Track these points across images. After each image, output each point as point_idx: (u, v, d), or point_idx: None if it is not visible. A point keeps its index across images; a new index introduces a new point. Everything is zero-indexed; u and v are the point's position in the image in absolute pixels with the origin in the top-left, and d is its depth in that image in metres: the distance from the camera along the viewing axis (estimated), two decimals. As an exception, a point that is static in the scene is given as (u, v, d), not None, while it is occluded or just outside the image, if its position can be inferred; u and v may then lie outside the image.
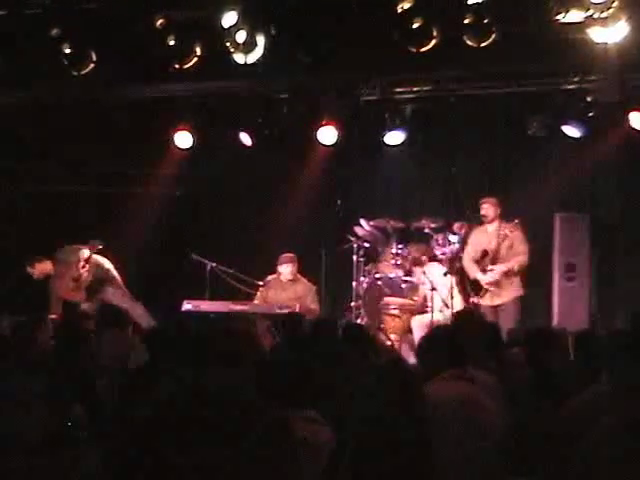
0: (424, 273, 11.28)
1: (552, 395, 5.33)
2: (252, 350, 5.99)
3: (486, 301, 10.80)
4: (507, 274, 10.78)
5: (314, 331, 7.60)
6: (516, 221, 10.83)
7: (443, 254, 11.28)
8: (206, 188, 13.27)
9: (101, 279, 11.69)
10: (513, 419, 5.14)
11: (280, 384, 4.35)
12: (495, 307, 10.71)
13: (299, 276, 11.70)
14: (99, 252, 11.62)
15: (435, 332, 5.63)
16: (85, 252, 11.52)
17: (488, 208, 10.96)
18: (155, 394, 2.88)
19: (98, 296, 11.61)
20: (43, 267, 11.79)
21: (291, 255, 11.69)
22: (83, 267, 11.48)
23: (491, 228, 10.97)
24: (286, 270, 11.60)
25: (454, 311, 10.24)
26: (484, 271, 10.82)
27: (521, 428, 5.03)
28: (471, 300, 10.91)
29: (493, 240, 10.89)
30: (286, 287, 11.62)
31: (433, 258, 11.43)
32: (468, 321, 6.93)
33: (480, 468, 4.56)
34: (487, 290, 10.80)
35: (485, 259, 10.86)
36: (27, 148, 12.57)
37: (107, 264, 11.74)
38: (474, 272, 10.94)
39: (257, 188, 13.08)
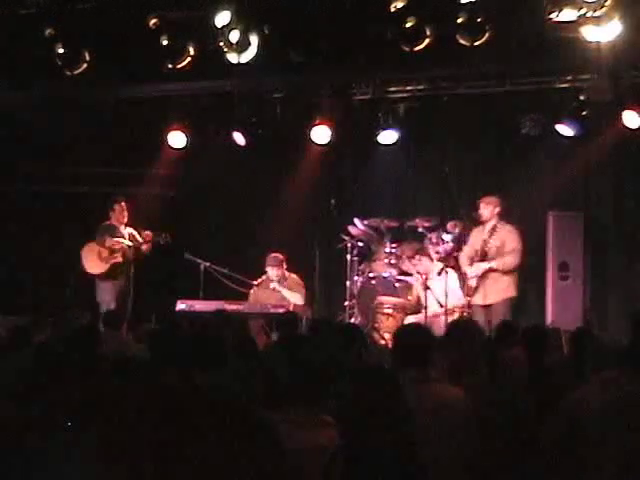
0: (419, 273, 11.30)
1: (547, 394, 5.34)
2: (244, 349, 5.99)
3: (477, 300, 10.81)
4: (492, 273, 10.76)
5: (312, 330, 7.59)
6: (509, 226, 10.83)
7: (437, 253, 11.28)
8: (199, 188, 13.25)
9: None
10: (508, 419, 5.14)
11: (299, 386, 4.32)
12: (485, 306, 10.71)
13: (287, 273, 11.66)
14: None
15: (399, 331, 5.62)
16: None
17: (484, 207, 10.94)
18: (146, 394, 2.88)
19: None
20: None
21: (277, 257, 11.56)
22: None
23: (487, 228, 10.97)
24: (272, 272, 11.56)
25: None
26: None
27: (519, 427, 5.04)
28: (465, 299, 10.93)
29: (486, 239, 10.89)
30: (279, 284, 11.59)
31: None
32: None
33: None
34: (476, 288, 10.80)
35: (474, 258, 10.88)
36: (26, 148, 12.59)
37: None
38: (465, 267, 10.98)
39: (251, 188, 13.06)
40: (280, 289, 11.42)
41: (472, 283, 10.78)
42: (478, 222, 11.01)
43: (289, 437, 3.97)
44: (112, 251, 11.54)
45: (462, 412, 4.74)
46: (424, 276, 11.17)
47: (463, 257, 11.06)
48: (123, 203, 11.76)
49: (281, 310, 10.34)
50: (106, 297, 11.44)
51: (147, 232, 11.65)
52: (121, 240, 11.60)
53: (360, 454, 3.81)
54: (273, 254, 11.62)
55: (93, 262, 11.56)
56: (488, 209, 10.94)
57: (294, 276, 11.63)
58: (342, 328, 7.90)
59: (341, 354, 6.38)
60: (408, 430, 3.95)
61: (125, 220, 11.76)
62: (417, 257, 11.51)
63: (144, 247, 11.69)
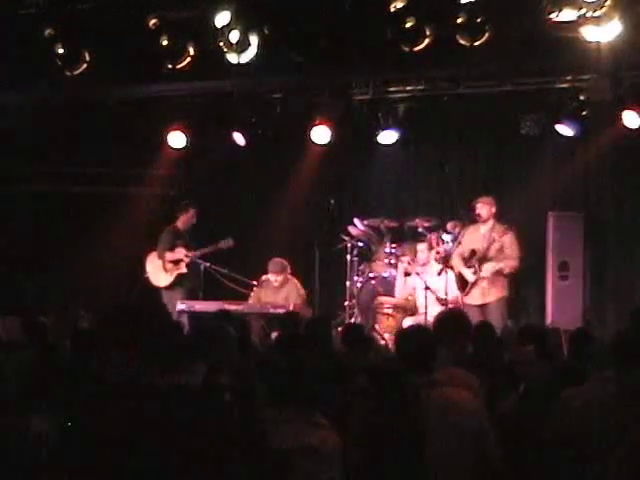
0: (418, 274, 11.29)
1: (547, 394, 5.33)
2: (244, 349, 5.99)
3: (472, 300, 10.79)
4: (496, 274, 10.75)
5: (308, 330, 7.58)
6: (506, 226, 10.81)
7: (437, 253, 11.28)
8: (200, 188, 13.25)
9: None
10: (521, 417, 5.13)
11: (294, 386, 4.31)
12: (481, 306, 10.70)
13: (289, 277, 11.66)
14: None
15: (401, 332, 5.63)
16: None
17: (482, 207, 10.93)
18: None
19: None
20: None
21: (280, 263, 11.56)
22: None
23: (484, 228, 10.94)
24: (272, 279, 11.57)
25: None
26: (471, 269, 10.81)
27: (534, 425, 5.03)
28: (459, 299, 10.91)
29: (484, 240, 10.86)
30: (278, 288, 11.59)
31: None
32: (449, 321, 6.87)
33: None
34: (472, 287, 10.78)
35: (473, 258, 10.84)
36: (27, 148, 12.58)
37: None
38: (460, 268, 10.94)
39: (250, 188, 13.07)
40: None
41: (484, 284, 10.76)
42: (478, 222, 10.99)
43: (279, 436, 3.98)
44: (176, 262, 11.58)
45: (471, 414, 4.72)
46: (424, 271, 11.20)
47: (456, 258, 11.02)
48: (193, 211, 11.86)
49: (281, 310, 10.33)
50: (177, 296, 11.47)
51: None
52: (177, 257, 11.61)
53: (376, 457, 3.81)
54: (275, 259, 11.61)
55: (160, 275, 11.64)
56: (485, 209, 10.92)
57: (294, 280, 11.63)
58: (346, 329, 7.87)
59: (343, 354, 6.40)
60: (422, 432, 3.96)
61: (190, 227, 11.88)
62: (416, 258, 11.52)
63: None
